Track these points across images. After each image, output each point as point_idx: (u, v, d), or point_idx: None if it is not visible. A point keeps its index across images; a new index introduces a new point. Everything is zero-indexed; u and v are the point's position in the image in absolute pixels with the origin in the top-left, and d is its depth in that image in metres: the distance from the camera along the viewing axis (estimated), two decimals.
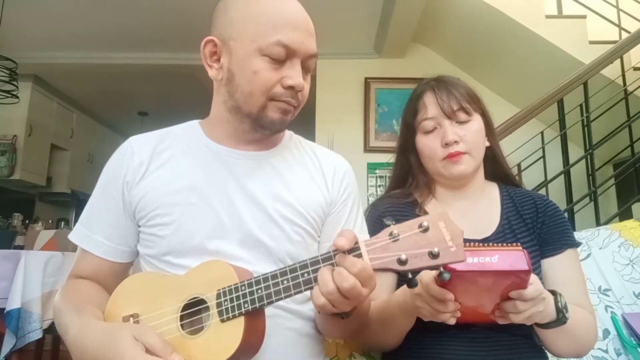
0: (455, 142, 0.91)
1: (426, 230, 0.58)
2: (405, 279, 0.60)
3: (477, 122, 0.95)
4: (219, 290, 0.67)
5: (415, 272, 0.59)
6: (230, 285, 0.67)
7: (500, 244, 0.66)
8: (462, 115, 0.93)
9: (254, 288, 0.65)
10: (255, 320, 0.67)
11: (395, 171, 1.07)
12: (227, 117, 0.83)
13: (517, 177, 1.05)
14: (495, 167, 1.02)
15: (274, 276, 0.65)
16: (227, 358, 0.64)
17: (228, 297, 0.66)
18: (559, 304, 0.74)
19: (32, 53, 4.02)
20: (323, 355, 0.88)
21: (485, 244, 0.66)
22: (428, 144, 0.95)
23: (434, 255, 0.57)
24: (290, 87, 0.77)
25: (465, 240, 0.59)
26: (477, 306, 0.73)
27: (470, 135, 0.93)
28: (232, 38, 0.78)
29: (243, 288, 0.66)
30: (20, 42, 3.82)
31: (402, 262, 0.58)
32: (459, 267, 0.62)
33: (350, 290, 0.59)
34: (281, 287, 0.64)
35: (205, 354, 0.65)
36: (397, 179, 1.06)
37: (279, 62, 0.76)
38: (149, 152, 0.84)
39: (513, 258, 0.64)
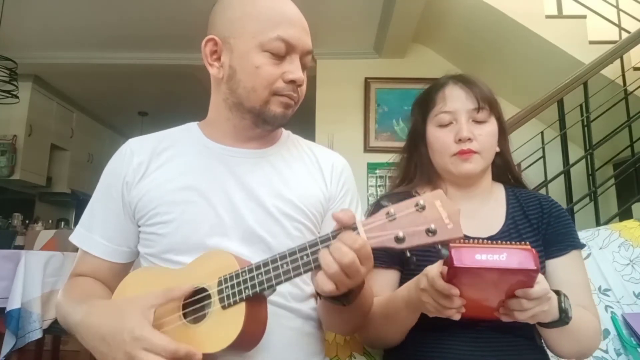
0: (469, 139, 0.91)
1: (423, 208, 0.58)
2: (403, 257, 0.59)
3: (492, 124, 0.94)
4: (220, 277, 0.68)
5: (413, 250, 0.58)
6: (231, 272, 0.67)
7: (509, 242, 0.66)
8: (480, 115, 0.92)
9: (254, 273, 0.66)
10: (256, 307, 0.68)
11: (402, 165, 1.05)
12: (227, 115, 0.84)
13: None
14: (504, 173, 1.02)
15: (274, 260, 0.65)
16: (229, 344, 0.64)
17: (229, 284, 0.67)
18: (562, 304, 0.74)
19: (32, 53, 4.02)
20: (323, 354, 0.88)
21: (493, 242, 0.66)
22: (440, 137, 0.94)
23: (431, 232, 0.57)
24: (292, 82, 0.79)
25: (471, 238, 0.59)
26: (482, 302, 0.73)
27: (484, 135, 0.92)
28: (232, 36, 0.80)
29: (244, 274, 0.66)
30: (20, 42, 3.81)
31: (399, 239, 0.58)
32: (466, 263, 0.62)
33: (350, 265, 0.59)
34: (281, 270, 0.64)
35: (207, 341, 0.66)
36: (405, 172, 1.04)
37: (279, 57, 0.78)
38: (148, 153, 0.85)
39: (521, 257, 0.64)
